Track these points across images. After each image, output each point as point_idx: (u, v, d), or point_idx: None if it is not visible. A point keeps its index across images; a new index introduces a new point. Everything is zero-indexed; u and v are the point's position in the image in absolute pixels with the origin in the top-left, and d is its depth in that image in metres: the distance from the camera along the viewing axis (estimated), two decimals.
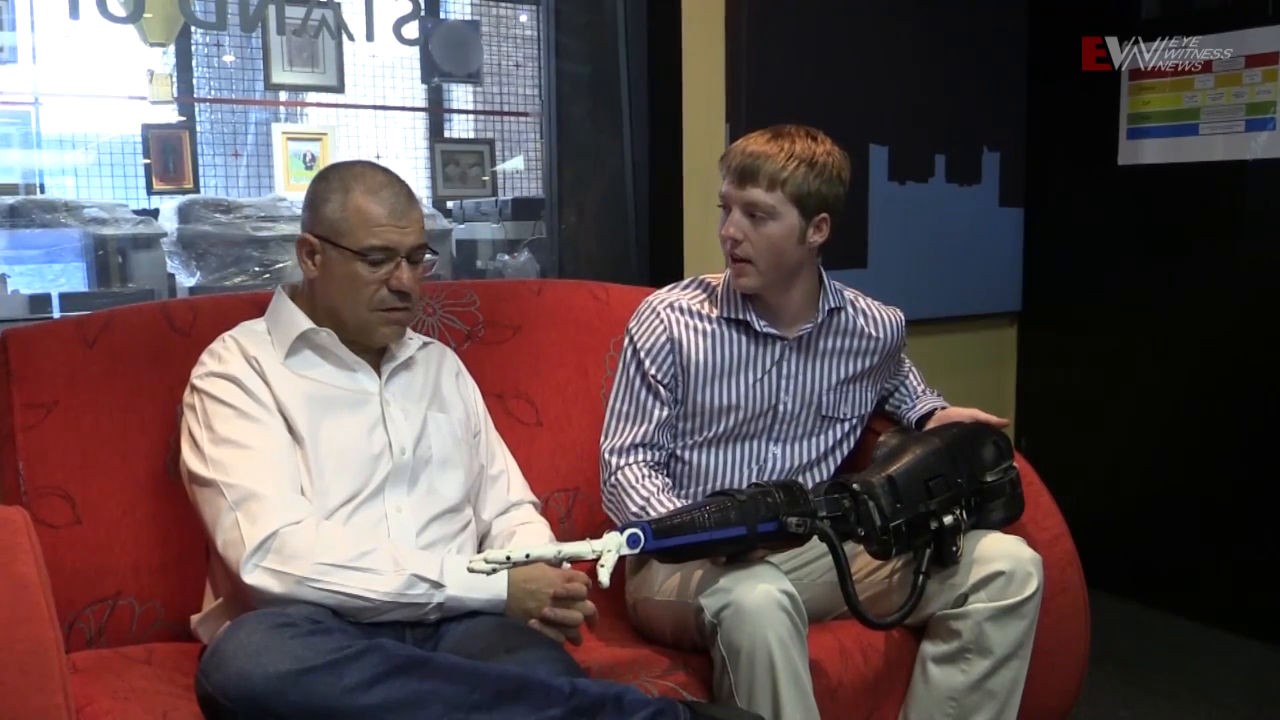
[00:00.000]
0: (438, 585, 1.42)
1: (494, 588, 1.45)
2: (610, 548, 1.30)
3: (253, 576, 1.37)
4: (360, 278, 1.51)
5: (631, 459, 1.74)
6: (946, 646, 1.61)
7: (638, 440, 1.75)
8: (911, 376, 1.95)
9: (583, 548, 1.29)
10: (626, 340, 1.80)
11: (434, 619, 1.45)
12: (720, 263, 1.79)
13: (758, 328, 1.76)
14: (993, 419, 1.74)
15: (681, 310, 1.78)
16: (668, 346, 1.75)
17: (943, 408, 1.86)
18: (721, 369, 1.76)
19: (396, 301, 1.54)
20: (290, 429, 1.49)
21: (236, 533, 1.39)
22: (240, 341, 1.55)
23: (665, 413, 1.76)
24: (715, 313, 1.77)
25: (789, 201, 1.67)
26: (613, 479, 1.74)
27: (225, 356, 1.53)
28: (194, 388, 1.52)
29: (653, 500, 1.66)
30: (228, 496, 1.41)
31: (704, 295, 1.81)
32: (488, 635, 1.45)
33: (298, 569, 1.37)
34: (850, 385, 1.83)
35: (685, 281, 1.86)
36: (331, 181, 1.54)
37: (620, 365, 1.81)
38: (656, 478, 1.72)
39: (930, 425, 1.80)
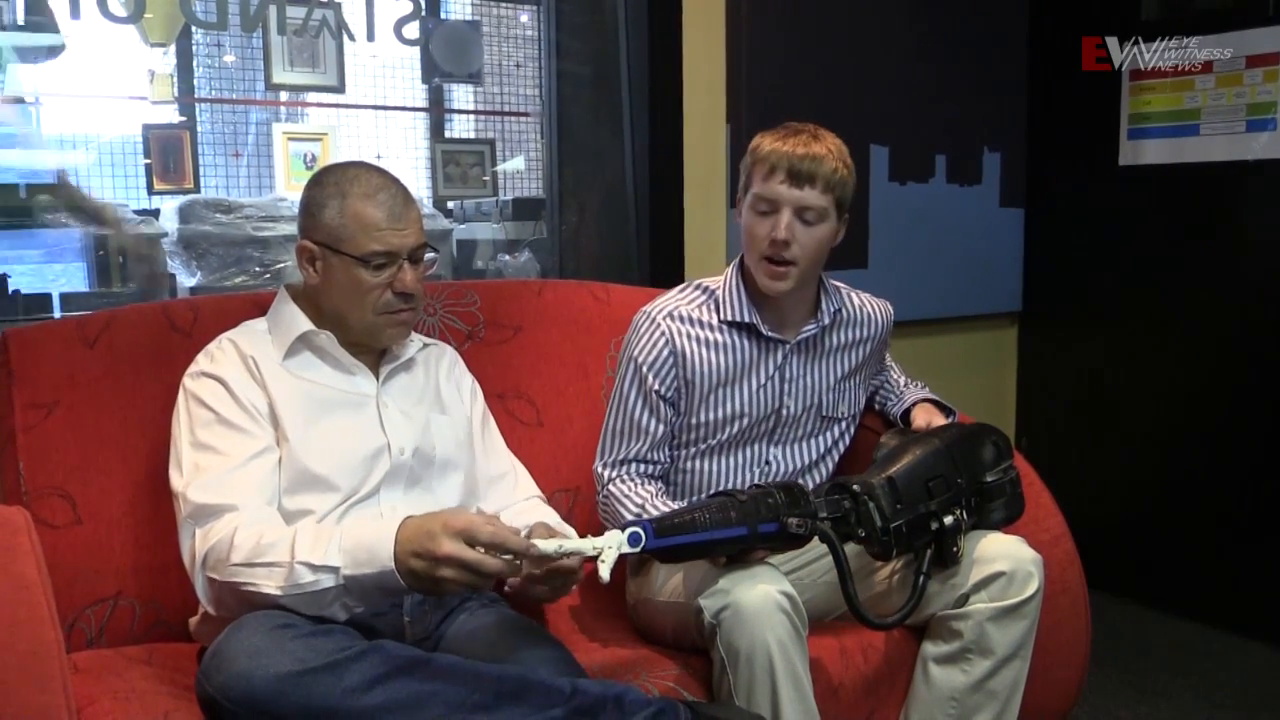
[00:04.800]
0: (329, 569, 1.29)
1: (382, 558, 1.26)
2: (611, 545, 1.30)
3: (200, 591, 1.39)
4: (364, 283, 1.51)
5: (623, 470, 1.73)
6: (947, 647, 1.60)
7: (631, 455, 1.73)
8: (893, 370, 1.94)
9: (584, 544, 1.29)
10: (624, 355, 1.76)
11: (359, 607, 1.32)
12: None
13: (764, 331, 1.74)
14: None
15: (682, 319, 1.74)
16: (670, 360, 1.72)
17: (926, 399, 1.84)
18: (726, 377, 1.73)
19: (401, 304, 1.53)
20: (282, 430, 1.49)
21: (191, 543, 1.40)
22: (238, 342, 1.55)
23: (662, 430, 1.73)
24: (717, 318, 1.74)
25: (835, 204, 1.67)
26: (604, 491, 1.73)
27: (218, 357, 1.53)
28: (183, 387, 1.52)
29: (648, 505, 1.65)
30: (188, 511, 1.41)
31: (703, 299, 1.76)
32: (488, 635, 1.45)
33: (220, 574, 1.35)
34: (846, 383, 1.83)
35: (681, 287, 1.81)
36: (327, 186, 1.52)
37: (617, 382, 1.76)
38: (650, 484, 1.72)
39: (916, 423, 1.79)
